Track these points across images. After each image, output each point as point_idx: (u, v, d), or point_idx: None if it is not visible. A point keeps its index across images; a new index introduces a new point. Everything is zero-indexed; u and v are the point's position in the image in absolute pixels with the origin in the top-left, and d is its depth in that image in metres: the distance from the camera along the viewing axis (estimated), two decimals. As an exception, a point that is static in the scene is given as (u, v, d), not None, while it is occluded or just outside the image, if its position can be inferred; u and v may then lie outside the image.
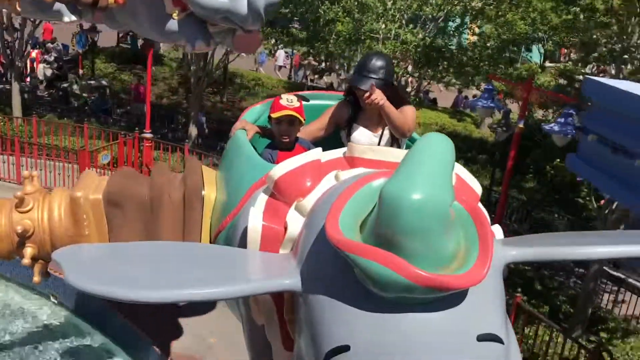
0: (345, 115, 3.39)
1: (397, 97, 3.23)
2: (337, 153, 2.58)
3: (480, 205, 2.22)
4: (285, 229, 2.32)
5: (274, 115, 3.26)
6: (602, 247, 2.07)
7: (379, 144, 3.30)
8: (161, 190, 3.38)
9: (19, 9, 5.35)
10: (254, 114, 3.65)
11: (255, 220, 2.39)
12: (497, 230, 2.33)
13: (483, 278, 1.65)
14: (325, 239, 1.77)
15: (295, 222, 2.29)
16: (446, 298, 1.70)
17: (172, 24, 5.53)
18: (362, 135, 3.31)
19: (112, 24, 6.40)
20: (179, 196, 3.32)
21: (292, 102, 3.27)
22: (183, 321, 6.28)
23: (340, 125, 3.42)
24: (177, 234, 3.27)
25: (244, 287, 1.89)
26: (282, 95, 3.36)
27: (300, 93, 3.60)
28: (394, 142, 3.33)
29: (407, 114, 3.14)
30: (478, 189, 2.34)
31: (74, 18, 6.15)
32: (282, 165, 2.43)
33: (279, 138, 3.23)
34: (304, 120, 3.26)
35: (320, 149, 2.58)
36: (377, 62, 3.15)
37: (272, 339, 2.49)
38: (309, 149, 3.19)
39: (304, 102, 3.39)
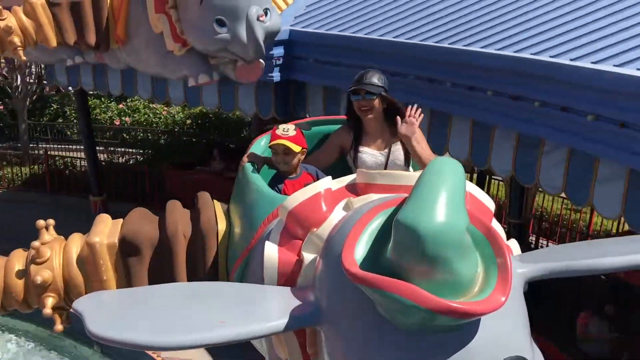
0: (348, 138, 3.39)
1: (397, 108, 3.25)
2: (347, 180, 2.57)
3: (494, 222, 2.18)
4: (302, 260, 2.30)
5: (270, 144, 3.27)
6: (631, 255, 2.00)
7: (386, 163, 3.30)
8: (175, 228, 3.38)
9: (24, 57, 5.46)
10: (260, 146, 3.66)
11: (270, 253, 2.38)
12: (514, 245, 2.29)
13: (504, 303, 1.61)
14: (342, 271, 1.74)
15: (311, 253, 2.28)
16: (470, 323, 1.67)
17: (175, 60, 5.64)
18: (368, 156, 3.31)
19: (116, 64, 6.51)
20: (194, 233, 3.33)
21: (287, 131, 3.26)
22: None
23: (345, 149, 3.42)
24: (195, 271, 3.28)
25: (265, 326, 1.87)
26: (279, 125, 3.37)
27: (299, 122, 3.60)
28: (405, 159, 3.32)
29: (425, 144, 3.15)
30: (491, 205, 2.32)
31: (78, 60, 6.29)
32: (294, 197, 2.42)
33: (276, 168, 3.23)
34: (303, 148, 3.25)
35: (330, 177, 2.56)
36: (374, 73, 3.19)
37: None
38: (316, 175, 3.23)
39: (305, 130, 3.39)
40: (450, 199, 1.63)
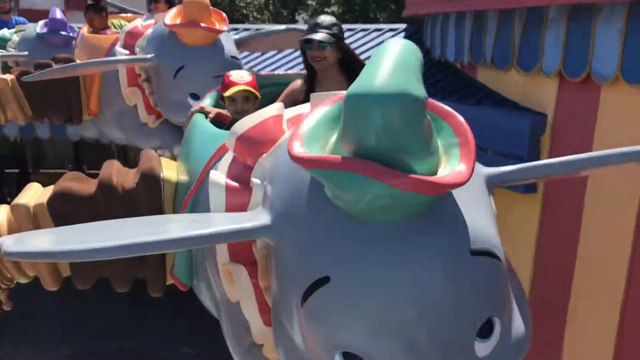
0: (302, 91, 3.18)
1: (355, 59, 3.14)
2: (301, 108, 2.28)
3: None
4: (252, 188, 2.07)
5: (227, 94, 3.01)
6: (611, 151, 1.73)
7: None
8: (110, 182, 3.10)
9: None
10: (212, 99, 3.45)
11: (216, 181, 2.19)
12: None
13: (469, 175, 1.43)
14: (292, 167, 1.56)
15: (261, 179, 2.03)
16: (432, 210, 1.48)
17: (149, 131, 5.57)
18: None
19: (89, 134, 6.44)
20: (133, 184, 2.94)
21: (243, 77, 3.09)
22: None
23: (298, 102, 3.23)
24: None
25: (204, 232, 1.58)
26: (231, 72, 3.11)
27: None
28: None
29: None
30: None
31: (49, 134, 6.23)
32: (242, 122, 2.21)
33: (235, 117, 2.99)
34: (260, 95, 3.08)
35: (282, 104, 2.32)
36: (327, 19, 3.08)
37: (250, 314, 2.24)
38: None
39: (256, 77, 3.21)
40: (406, 68, 1.43)
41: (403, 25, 7.27)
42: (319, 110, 1.66)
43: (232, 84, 2.98)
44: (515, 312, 1.65)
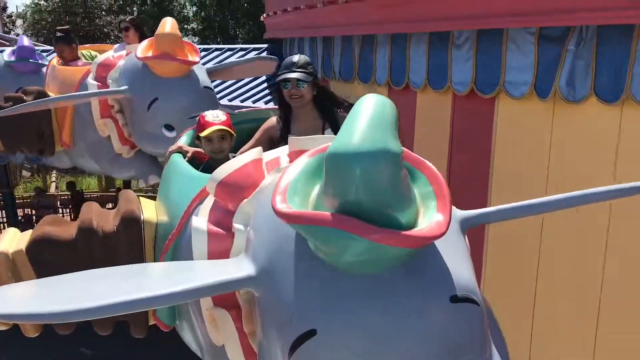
0: (278, 127, 3.20)
1: (331, 96, 3.19)
2: (279, 152, 2.35)
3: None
4: (234, 233, 2.07)
5: (203, 134, 3.01)
6: (594, 190, 1.85)
7: None
8: (90, 225, 3.06)
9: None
10: (189, 137, 3.47)
11: (198, 227, 2.18)
12: None
13: (447, 226, 1.48)
14: (275, 219, 1.56)
15: (243, 224, 2.04)
16: (412, 260, 1.53)
17: (123, 162, 5.57)
18: None
19: (62, 164, 6.40)
20: (114, 228, 2.90)
21: (218, 116, 3.12)
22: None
23: (275, 140, 3.27)
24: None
25: (190, 287, 1.59)
26: (206, 113, 3.11)
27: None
28: None
29: None
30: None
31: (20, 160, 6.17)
32: (222, 168, 2.22)
33: (212, 156, 3.02)
34: (235, 133, 3.12)
35: (260, 148, 2.34)
36: (302, 58, 3.11)
37: (235, 359, 2.27)
38: None
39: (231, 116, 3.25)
40: (382, 124, 1.49)
41: (265, 45, 7.98)
42: (299, 163, 1.71)
43: (207, 124, 3.03)
44: (495, 355, 1.71)
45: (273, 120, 3.25)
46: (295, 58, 3.12)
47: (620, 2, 2.77)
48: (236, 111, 3.54)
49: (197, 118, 3.13)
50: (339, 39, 5.66)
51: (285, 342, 1.58)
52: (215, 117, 3.06)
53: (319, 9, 5.64)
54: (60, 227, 3.00)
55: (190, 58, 4.69)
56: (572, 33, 3.03)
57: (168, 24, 4.62)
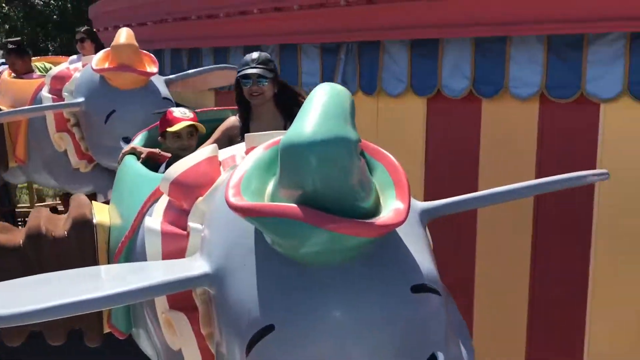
0: (237, 125, 3.13)
1: (293, 94, 3.10)
2: (236, 149, 2.28)
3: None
4: (189, 233, 2.01)
5: (173, 129, 2.95)
6: (538, 180, 1.95)
7: None
8: (39, 231, 2.96)
9: None
10: (143, 139, 3.38)
11: (151, 227, 2.12)
12: None
13: (406, 214, 1.45)
14: (229, 214, 1.53)
15: (198, 223, 1.99)
16: (373, 250, 1.50)
17: (81, 176, 5.42)
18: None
19: (17, 180, 6.20)
20: (64, 232, 2.82)
21: (186, 113, 3.06)
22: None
23: (234, 140, 3.21)
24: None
25: (143, 285, 1.54)
26: (172, 109, 3.08)
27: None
28: None
29: None
30: None
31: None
32: (175, 167, 2.15)
33: (179, 153, 2.94)
34: (204, 130, 3.07)
35: (215, 145, 2.30)
36: (262, 55, 3.02)
37: None
38: None
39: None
40: (338, 112, 1.46)
41: None
42: (253, 156, 1.67)
43: (176, 119, 2.98)
44: (456, 344, 1.69)
45: (232, 119, 3.19)
46: (255, 55, 3.05)
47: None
48: (196, 110, 3.48)
49: (158, 115, 3.07)
50: (209, 50, 5.95)
51: (242, 339, 1.53)
52: (184, 114, 3.03)
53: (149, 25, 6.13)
54: (7, 234, 2.90)
55: (148, 69, 4.60)
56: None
57: (124, 35, 4.53)
